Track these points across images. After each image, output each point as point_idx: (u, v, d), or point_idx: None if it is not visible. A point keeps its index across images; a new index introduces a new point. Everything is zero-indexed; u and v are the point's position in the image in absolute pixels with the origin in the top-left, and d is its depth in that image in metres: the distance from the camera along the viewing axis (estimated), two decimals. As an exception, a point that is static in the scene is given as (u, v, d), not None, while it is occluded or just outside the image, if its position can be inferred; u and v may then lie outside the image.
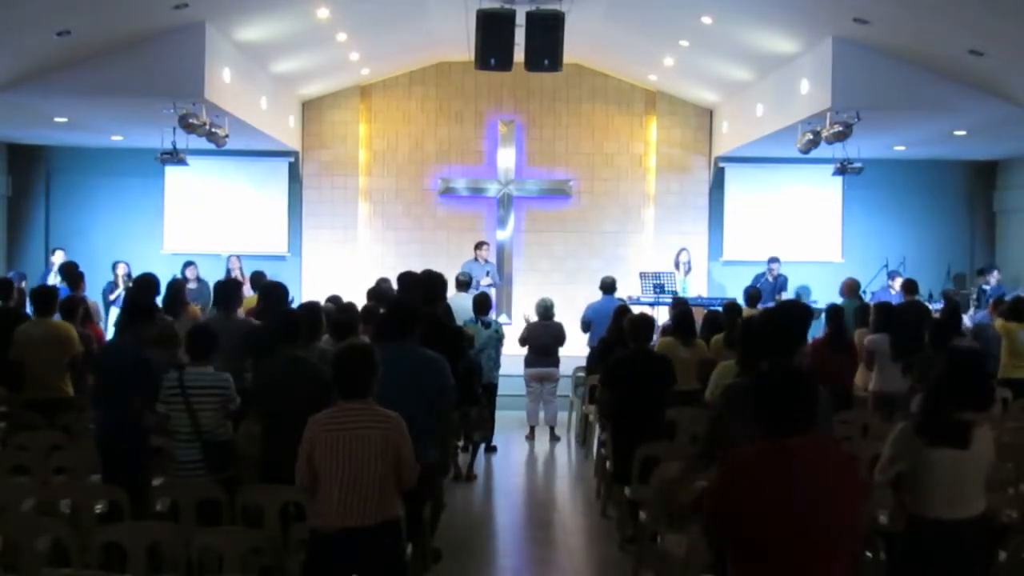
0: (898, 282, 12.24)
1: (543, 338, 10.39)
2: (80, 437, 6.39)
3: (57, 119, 12.19)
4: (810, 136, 11.33)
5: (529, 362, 10.53)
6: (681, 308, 8.94)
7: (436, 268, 8.27)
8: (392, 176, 15.31)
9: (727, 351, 7.10)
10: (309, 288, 14.33)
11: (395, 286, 8.72)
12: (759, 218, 15.24)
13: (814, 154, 11.90)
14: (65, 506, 5.35)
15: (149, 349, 5.99)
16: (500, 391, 9.87)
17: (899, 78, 10.40)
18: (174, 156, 11.71)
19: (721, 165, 15.21)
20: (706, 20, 11.06)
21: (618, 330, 8.30)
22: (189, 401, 5.44)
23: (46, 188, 15.13)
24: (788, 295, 13.52)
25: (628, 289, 13.33)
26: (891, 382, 8.00)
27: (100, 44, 10.00)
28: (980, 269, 14.17)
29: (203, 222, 14.95)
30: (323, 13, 11.04)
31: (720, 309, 9.66)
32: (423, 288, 7.56)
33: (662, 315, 11.79)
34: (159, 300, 8.18)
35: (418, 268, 8.45)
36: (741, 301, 10.96)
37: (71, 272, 9.74)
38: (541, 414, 10.70)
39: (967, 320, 11.14)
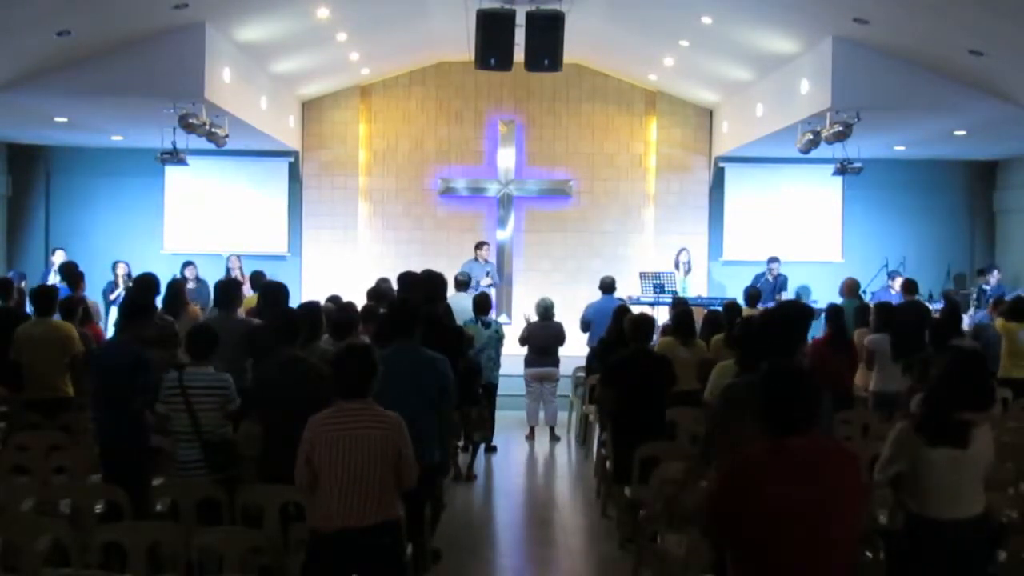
0: (898, 282, 12.24)
1: (543, 338, 10.39)
2: (80, 437, 6.39)
3: (57, 119, 12.19)
4: (810, 136, 11.33)
5: (529, 362, 10.53)
6: (681, 308, 8.95)
7: (436, 268, 8.29)
8: (392, 176, 15.32)
9: (727, 351, 7.10)
10: (309, 288, 14.33)
11: (395, 286, 8.73)
12: (759, 218, 15.24)
13: (814, 154, 11.90)
14: (65, 506, 5.35)
15: (149, 349, 5.99)
16: (500, 391, 9.87)
17: (899, 78, 10.40)
18: (174, 156, 11.71)
19: (721, 165, 15.21)
20: (706, 20, 11.06)
21: (617, 330, 8.29)
22: (189, 401, 5.44)
23: (46, 188, 15.13)
24: (788, 295, 13.52)
25: (628, 289, 13.33)
26: (891, 382, 8.01)
27: (100, 44, 10.00)
28: (980, 269, 14.17)
29: (203, 222, 14.95)
30: (323, 13, 11.04)
31: (720, 309, 9.66)
32: (423, 288, 7.56)
33: (662, 315, 11.79)
34: (159, 300, 8.18)
35: (418, 268, 8.46)
36: (741, 301, 10.96)
37: (71, 272, 9.73)
38: (541, 414, 10.70)
39: (967, 320, 11.15)
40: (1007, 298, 10.31)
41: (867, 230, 15.16)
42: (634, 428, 6.56)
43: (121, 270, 12.63)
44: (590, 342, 10.41)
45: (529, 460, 10.12)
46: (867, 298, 11.86)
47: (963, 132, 12.25)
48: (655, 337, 8.56)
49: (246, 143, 13.56)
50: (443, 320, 7.36)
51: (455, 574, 6.37)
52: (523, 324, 10.86)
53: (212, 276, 12.14)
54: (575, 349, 11.08)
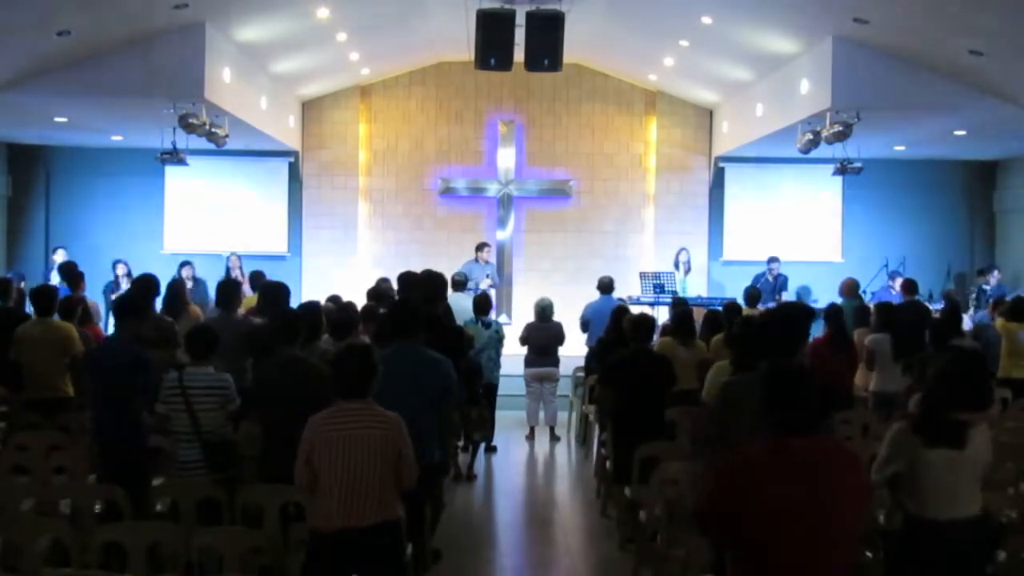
0: (899, 282, 12.24)
1: (542, 338, 10.39)
2: (80, 437, 6.39)
3: (57, 119, 12.19)
4: (810, 136, 11.34)
5: (529, 362, 10.53)
6: (681, 308, 8.95)
7: (436, 268, 8.29)
8: (392, 176, 15.32)
9: (727, 351, 7.10)
10: (309, 288, 14.33)
11: (395, 286, 8.73)
12: (759, 218, 15.24)
13: (814, 154, 11.91)
14: (65, 506, 5.35)
15: (148, 349, 5.99)
16: (500, 391, 9.86)
17: (899, 78, 10.40)
18: (174, 156, 11.71)
19: (721, 165, 15.21)
20: (706, 20, 11.06)
21: (616, 330, 8.29)
22: (189, 401, 5.44)
23: (46, 188, 15.13)
24: (788, 295, 13.52)
25: (628, 289, 13.33)
26: (891, 382, 8.01)
27: (100, 44, 10.00)
28: (980, 269, 14.17)
29: (203, 222, 14.95)
30: (323, 13, 11.04)
31: (720, 309, 9.66)
32: (423, 288, 7.56)
33: (662, 315, 11.79)
34: (159, 300, 8.18)
35: (418, 268, 8.46)
36: (741, 301, 10.96)
37: (71, 272, 9.72)
38: (541, 414, 10.70)
39: (967, 320, 11.15)
40: (1007, 298, 10.31)
41: (867, 230, 15.16)
42: (634, 428, 6.56)
43: (121, 270, 12.64)
44: (589, 342, 10.41)
45: (529, 460, 10.12)
46: (867, 298, 11.86)
47: (963, 132, 12.25)
48: (655, 337, 8.56)
49: (246, 143, 13.56)
50: (443, 320, 7.35)
51: (455, 574, 6.37)
52: (523, 324, 10.86)
53: (212, 276, 12.15)
54: (575, 349, 11.08)
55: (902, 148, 13.85)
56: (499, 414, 10.02)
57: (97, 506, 5.27)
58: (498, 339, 9.65)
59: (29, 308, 8.43)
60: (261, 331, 6.62)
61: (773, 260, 13.93)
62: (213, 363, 5.72)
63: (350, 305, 8.19)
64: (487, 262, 13.47)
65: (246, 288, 10.83)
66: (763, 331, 5.44)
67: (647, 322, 7.30)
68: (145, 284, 7.82)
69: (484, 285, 12.54)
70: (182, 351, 6.08)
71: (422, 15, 12.27)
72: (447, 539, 6.69)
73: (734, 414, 4.94)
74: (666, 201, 15.30)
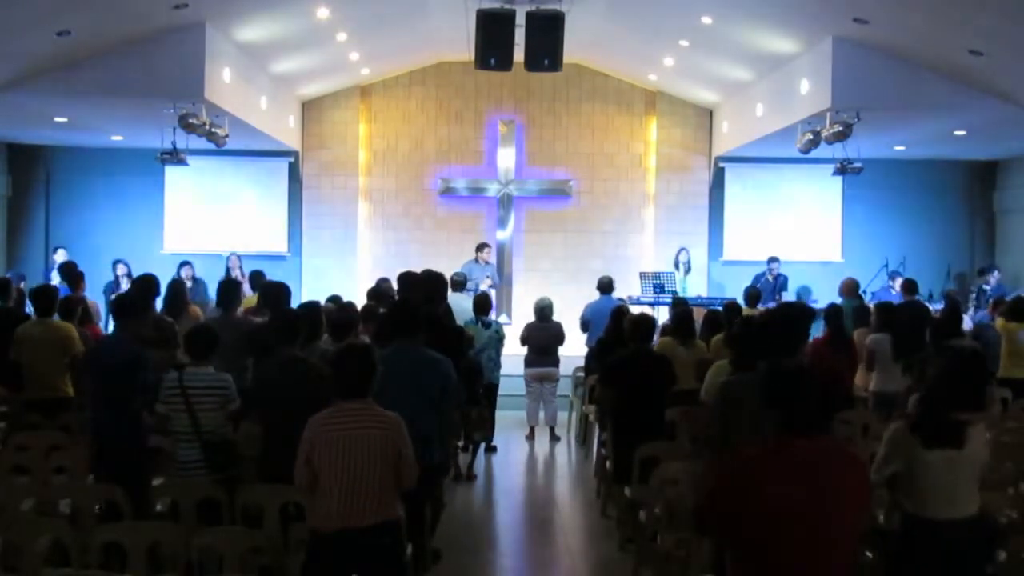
0: (899, 282, 12.24)
1: (542, 338, 10.39)
2: (80, 437, 6.38)
3: (57, 119, 12.19)
4: (810, 136, 11.34)
5: (529, 362, 10.54)
6: (681, 308, 8.94)
7: (436, 268, 8.29)
8: (392, 176, 15.32)
9: (726, 351, 7.10)
10: (309, 288, 14.33)
11: (395, 286, 8.73)
12: (759, 218, 15.24)
13: (814, 154, 11.91)
14: (65, 506, 5.35)
15: (148, 349, 5.99)
16: (500, 391, 9.86)
17: (899, 78, 10.40)
18: (174, 156, 11.71)
19: (721, 165, 15.21)
20: (706, 20, 11.06)
21: (616, 330, 8.29)
22: (189, 401, 5.43)
23: (46, 188, 15.13)
24: (788, 295, 13.52)
25: (628, 289, 13.34)
26: (891, 382, 8.01)
27: (100, 44, 10.00)
28: (980, 269, 14.18)
29: (203, 222, 14.95)
30: (323, 13, 11.04)
31: (720, 309, 9.66)
32: (423, 288, 7.56)
33: (662, 315, 11.79)
34: (159, 300, 8.18)
35: (418, 268, 8.46)
36: (741, 301, 10.96)
37: (71, 272, 9.73)
38: (541, 414, 10.70)
39: (967, 320, 11.15)
40: (1007, 298, 10.31)
41: (867, 230, 15.15)
42: (634, 428, 6.56)
43: (121, 270, 12.64)
44: (588, 342, 10.41)
45: (529, 460, 10.12)
46: (867, 298, 11.86)
47: (963, 132, 12.25)
48: (655, 337, 8.56)
49: (246, 143, 13.56)
50: (443, 320, 7.35)
51: (455, 574, 6.37)
52: (523, 324, 10.86)
53: (212, 276, 12.14)
54: (575, 349, 11.07)
55: (902, 148, 13.85)
56: (499, 414, 10.02)
57: (97, 506, 5.27)
58: (498, 339, 9.65)
59: (29, 308, 8.43)
60: (261, 331, 6.62)
61: (773, 260, 13.93)
62: (213, 363, 5.72)
63: (350, 305, 8.19)
64: (487, 262, 13.47)
65: (246, 288, 10.83)
66: (763, 331, 5.44)
67: (647, 322, 7.29)
68: (145, 284, 7.82)
69: (484, 285, 12.54)
70: (182, 351, 6.08)
71: (422, 15, 12.27)
72: (447, 539, 6.69)
73: (734, 414, 4.94)
74: (666, 201, 15.30)
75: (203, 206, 14.99)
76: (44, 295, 7.59)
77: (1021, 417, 7.45)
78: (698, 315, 8.86)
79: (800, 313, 6.39)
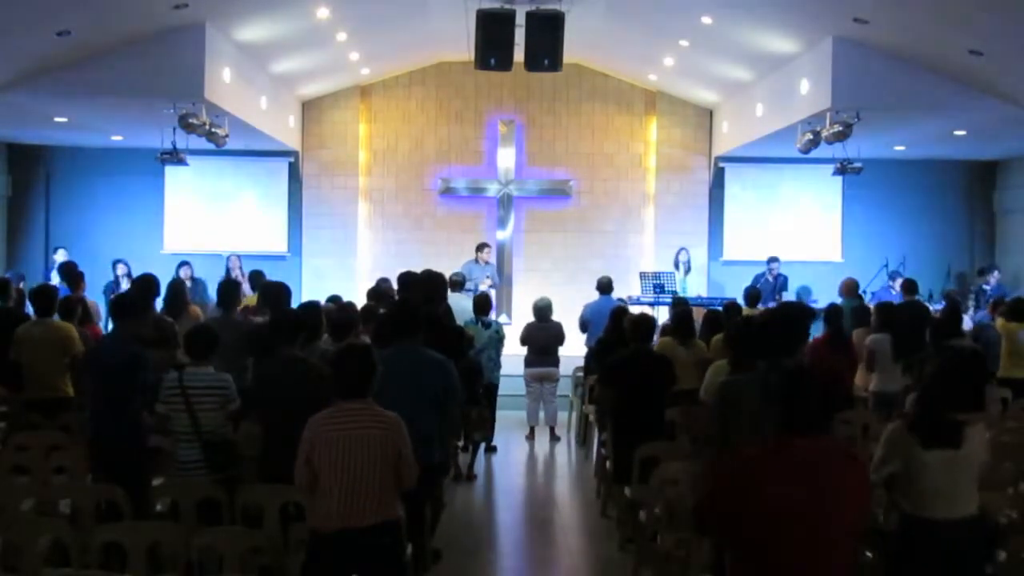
0: (899, 282, 12.24)
1: (542, 339, 10.39)
2: (80, 437, 6.38)
3: (57, 119, 12.19)
4: (810, 136, 11.34)
5: (529, 362, 10.54)
6: (681, 308, 8.94)
7: (436, 268, 8.29)
8: (392, 176, 15.31)
9: (727, 351, 7.11)
10: (309, 288, 14.33)
11: (395, 286, 8.73)
12: (759, 218, 15.24)
13: (814, 154, 11.91)
14: (65, 506, 5.34)
15: (148, 349, 5.99)
16: (500, 391, 9.87)
17: (899, 78, 10.40)
18: (174, 156, 11.71)
19: (721, 165, 15.21)
20: (706, 20, 11.06)
21: (615, 330, 8.29)
22: (189, 401, 5.43)
23: (46, 188, 15.13)
24: (788, 295, 13.52)
25: (628, 289, 13.33)
26: (891, 382, 8.02)
27: (100, 44, 10.00)
28: (980, 269, 14.18)
29: (203, 222, 14.95)
30: (323, 13, 11.04)
31: (720, 309, 9.66)
32: (423, 288, 7.56)
33: (662, 315, 11.79)
34: (159, 300, 8.18)
35: (418, 268, 8.46)
36: (741, 301, 10.97)
37: (70, 272, 9.73)
38: (541, 414, 10.70)
39: (967, 320, 11.15)
40: (1007, 298, 10.31)
41: (867, 230, 15.15)
42: (634, 428, 6.56)
43: (121, 270, 12.64)
44: (588, 342, 10.41)
45: (529, 460, 10.12)
46: (867, 298, 11.86)
47: (963, 132, 12.25)
48: (655, 337, 8.56)
49: (246, 143, 13.56)
50: (443, 321, 7.35)
51: (455, 574, 6.37)
52: (523, 324, 10.86)
53: (212, 276, 12.14)
54: (575, 349, 11.07)
55: (902, 148, 13.85)
56: (499, 414, 10.02)
57: (97, 503, 5.27)
58: (498, 339, 9.66)
59: (29, 308, 8.43)
60: (261, 331, 6.62)
61: (773, 260, 13.93)
62: (213, 363, 5.72)
63: (350, 305, 8.20)
64: (487, 262, 13.47)
65: (246, 288, 10.83)
66: (763, 331, 5.44)
67: (647, 322, 7.30)
68: (145, 284, 7.82)
69: (484, 286, 12.54)
70: (182, 351, 6.07)
71: (422, 15, 12.27)
72: (447, 539, 6.69)
73: (733, 414, 4.95)
74: (666, 201, 15.30)
75: (203, 206, 14.99)
76: (44, 295, 7.59)
77: (1021, 417, 7.45)
78: (698, 315, 8.86)
79: (800, 313, 6.38)
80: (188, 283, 12.19)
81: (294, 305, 7.80)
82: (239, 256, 13.44)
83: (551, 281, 14.44)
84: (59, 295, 7.98)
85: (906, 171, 15.05)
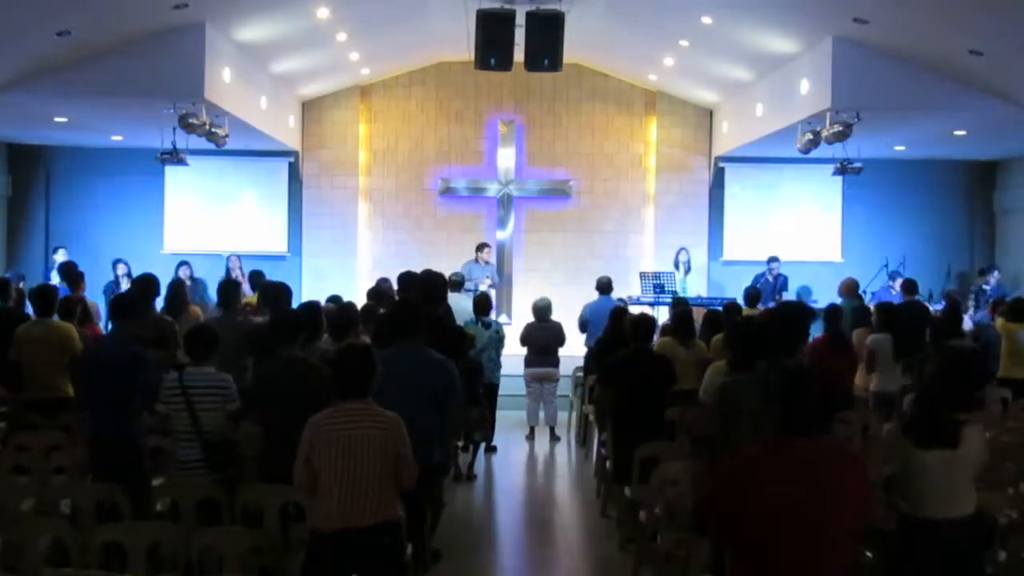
0: (899, 282, 12.24)
1: (542, 339, 10.40)
2: (80, 437, 6.38)
3: (57, 119, 12.19)
4: (810, 136, 11.34)
5: (529, 362, 10.54)
6: (681, 308, 8.94)
7: (436, 268, 8.29)
8: (392, 176, 15.31)
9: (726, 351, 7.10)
10: (309, 288, 14.33)
11: (395, 286, 8.73)
12: (759, 218, 15.24)
13: (814, 154, 11.90)
14: (65, 506, 5.34)
15: (148, 349, 5.99)
16: (500, 391, 9.87)
17: (899, 78, 10.40)
18: (174, 156, 11.71)
19: (721, 165, 15.21)
20: (706, 20, 11.06)
21: (615, 330, 8.29)
22: (190, 401, 5.43)
23: (46, 188, 15.13)
24: (788, 295, 13.52)
25: (628, 289, 13.33)
26: (891, 382, 8.02)
27: (100, 44, 10.00)
28: (980, 269, 14.18)
29: (203, 222, 14.95)
30: (323, 13, 11.04)
31: (720, 309, 9.66)
32: (423, 288, 7.56)
33: (662, 315, 11.79)
34: (159, 300, 8.18)
35: (418, 268, 8.46)
36: (741, 301, 10.97)
37: (70, 272, 9.73)
38: (541, 414, 10.70)
39: (967, 320, 11.15)
40: (1007, 298, 10.31)
41: (867, 230, 15.15)
42: (634, 428, 6.56)
43: (121, 270, 12.64)
44: (588, 342, 10.41)
45: (529, 460, 10.12)
46: (867, 298, 11.86)
47: (963, 132, 12.25)
48: (655, 337, 8.56)
49: (246, 143, 13.56)
50: (443, 321, 7.35)
51: (455, 574, 6.38)
52: (523, 324, 10.86)
53: (212, 276, 12.14)
54: (575, 349, 11.07)
55: (902, 148, 13.85)
56: (499, 414, 10.02)
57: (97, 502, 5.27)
58: (498, 339, 9.66)
59: (29, 308, 8.43)
60: (261, 331, 6.62)
61: (773, 260, 13.93)
62: (213, 363, 5.72)
63: (350, 305, 8.19)
64: (487, 262, 13.47)
65: (246, 288, 10.83)
66: (763, 331, 5.44)
67: (647, 322, 7.30)
68: (145, 284, 7.82)
69: (484, 286, 12.54)
70: (182, 351, 6.07)
71: (422, 15, 12.27)
72: (447, 539, 6.69)
73: (733, 414, 4.94)
74: (666, 201, 15.30)
75: (203, 206, 14.99)
76: (44, 295, 7.58)
77: (1021, 417, 7.45)
78: (698, 315, 8.87)
79: (800, 313, 6.39)
80: (188, 283, 12.20)
81: (294, 305, 7.80)
82: (239, 256, 13.44)
83: (551, 281, 14.44)
84: (59, 295, 7.97)
85: (906, 171, 15.05)
